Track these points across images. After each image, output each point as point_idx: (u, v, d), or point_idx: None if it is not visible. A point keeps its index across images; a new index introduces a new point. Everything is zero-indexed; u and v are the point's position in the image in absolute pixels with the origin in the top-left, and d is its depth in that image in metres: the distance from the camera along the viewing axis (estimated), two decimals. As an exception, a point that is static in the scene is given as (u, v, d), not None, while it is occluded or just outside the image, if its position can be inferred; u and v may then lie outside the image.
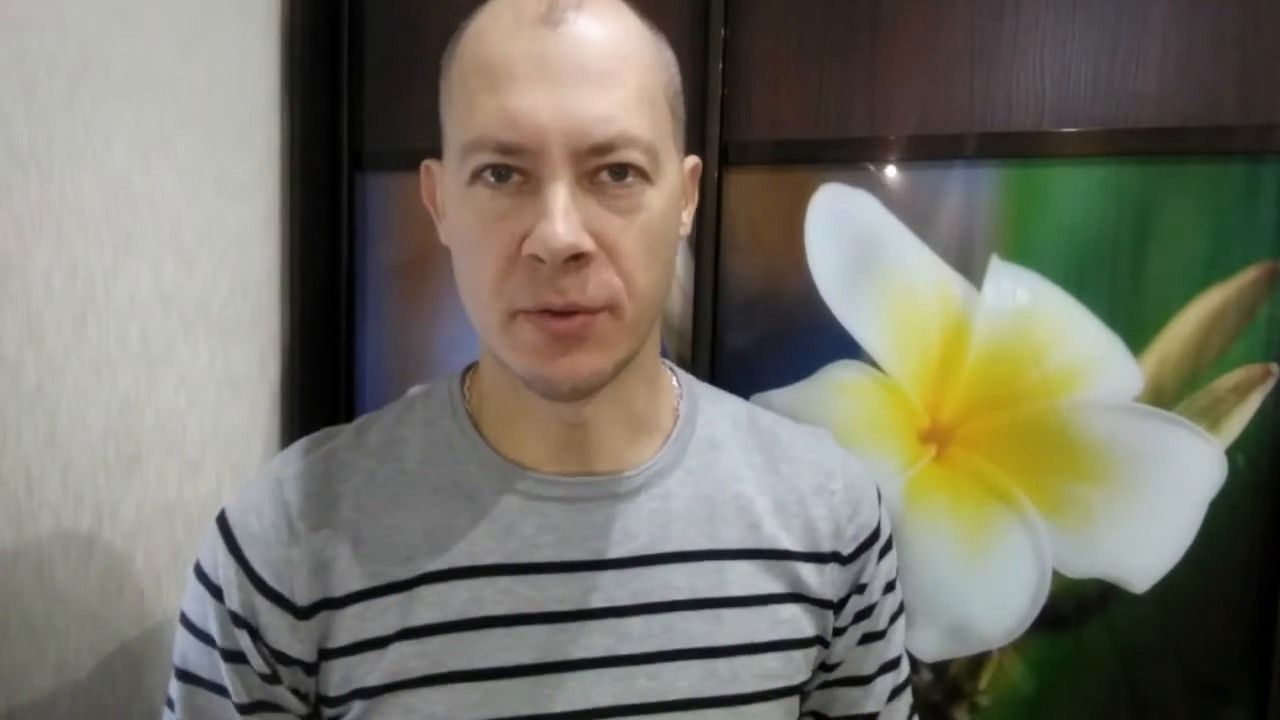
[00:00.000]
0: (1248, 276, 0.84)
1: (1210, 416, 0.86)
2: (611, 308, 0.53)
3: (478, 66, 0.53)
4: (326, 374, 1.11)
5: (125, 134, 0.85)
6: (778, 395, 0.97)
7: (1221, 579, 0.86)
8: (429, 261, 1.08)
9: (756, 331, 0.98)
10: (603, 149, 0.51)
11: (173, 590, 0.92)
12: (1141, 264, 0.87)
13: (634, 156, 0.52)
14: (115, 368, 0.85)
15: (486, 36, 0.54)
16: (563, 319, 0.52)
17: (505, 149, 0.51)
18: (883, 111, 0.94)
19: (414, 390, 0.67)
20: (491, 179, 0.52)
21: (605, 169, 0.52)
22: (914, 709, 0.72)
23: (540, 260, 0.50)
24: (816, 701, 0.69)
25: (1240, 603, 0.86)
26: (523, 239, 0.51)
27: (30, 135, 0.76)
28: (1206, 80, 0.85)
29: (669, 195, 0.56)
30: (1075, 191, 0.88)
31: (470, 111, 0.53)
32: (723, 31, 0.96)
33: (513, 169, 0.52)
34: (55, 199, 0.79)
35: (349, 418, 0.66)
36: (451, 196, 0.56)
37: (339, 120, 1.10)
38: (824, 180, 0.95)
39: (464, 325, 0.59)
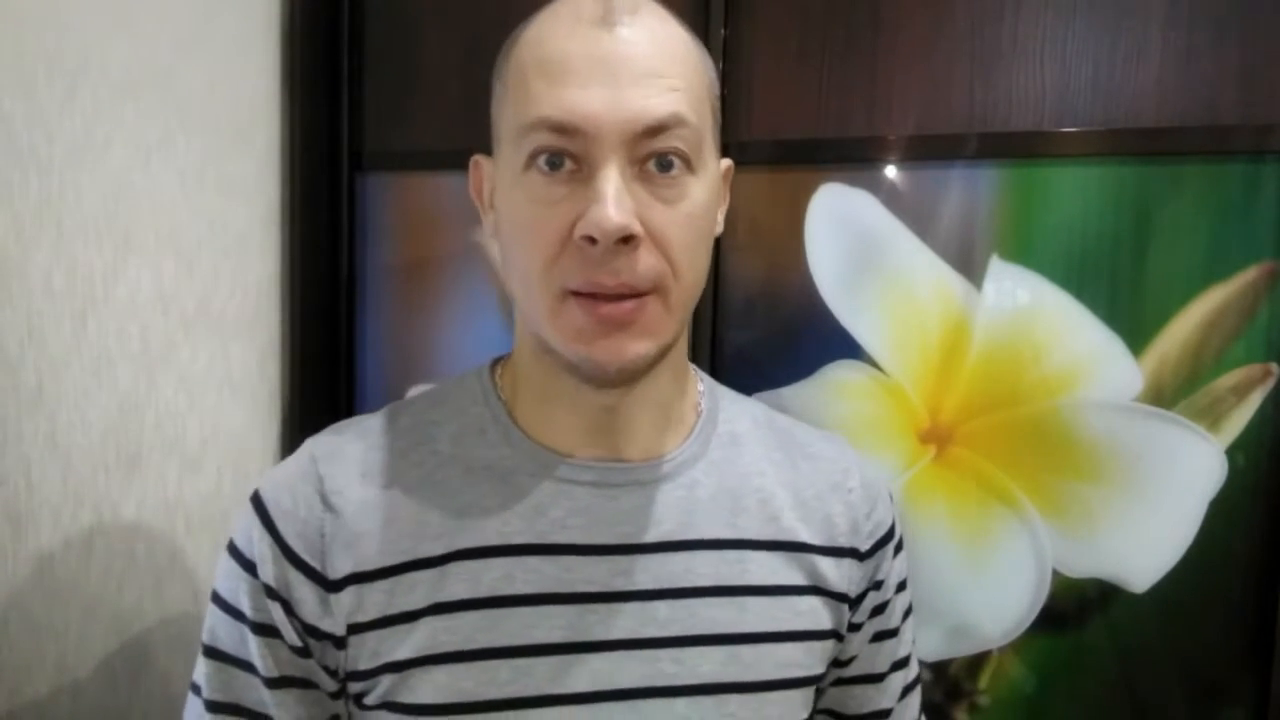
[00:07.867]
0: (1248, 276, 0.84)
1: (1210, 416, 0.86)
2: (659, 291, 0.56)
3: (536, 63, 0.56)
4: (326, 374, 1.11)
5: (125, 134, 0.85)
6: (778, 395, 0.97)
7: (1221, 579, 0.86)
8: (429, 262, 1.08)
9: (757, 331, 0.98)
10: (654, 130, 0.54)
11: (173, 589, 0.92)
12: (1141, 264, 0.87)
13: (681, 142, 0.55)
14: (115, 368, 0.85)
15: (544, 38, 0.57)
16: (611, 303, 0.55)
17: (560, 129, 0.54)
18: (883, 111, 0.94)
19: (442, 381, 0.68)
20: (545, 166, 0.55)
21: (653, 158, 0.55)
22: (923, 709, 0.74)
23: (592, 242, 0.53)
24: (831, 699, 0.70)
25: (1240, 603, 0.86)
26: (574, 224, 0.54)
27: (30, 135, 0.76)
28: (1206, 80, 0.85)
29: (709, 188, 0.59)
30: (1075, 191, 0.88)
31: (527, 99, 0.55)
32: (723, 31, 0.96)
33: (566, 155, 0.54)
34: (55, 199, 0.79)
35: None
36: (504, 185, 0.59)
37: (339, 120, 1.10)
38: (824, 180, 0.95)
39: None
